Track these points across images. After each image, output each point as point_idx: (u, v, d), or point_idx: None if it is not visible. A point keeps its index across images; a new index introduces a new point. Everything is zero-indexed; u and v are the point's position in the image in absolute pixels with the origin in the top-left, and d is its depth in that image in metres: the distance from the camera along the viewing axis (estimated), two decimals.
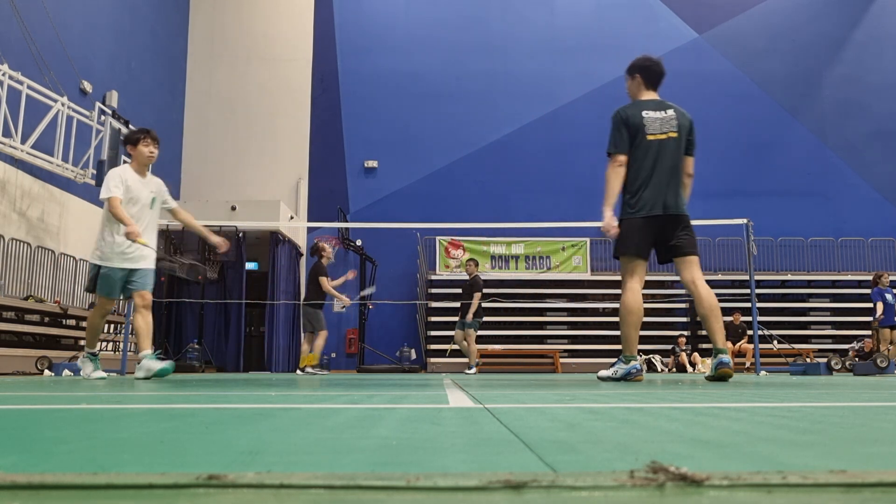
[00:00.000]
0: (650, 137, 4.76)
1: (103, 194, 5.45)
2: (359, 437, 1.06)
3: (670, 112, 4.87)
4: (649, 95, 4.98)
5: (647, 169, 4.74)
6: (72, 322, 10.65)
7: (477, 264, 11.19)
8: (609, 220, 4.81)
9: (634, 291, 4.76)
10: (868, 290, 15.26)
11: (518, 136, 16.36)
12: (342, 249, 15.36)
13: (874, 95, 16.77)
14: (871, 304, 14.63)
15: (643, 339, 15.06)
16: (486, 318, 13.35)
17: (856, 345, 13.21)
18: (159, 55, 15.27)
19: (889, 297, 11.63)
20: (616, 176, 4.79)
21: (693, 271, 4.77)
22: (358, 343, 15.18)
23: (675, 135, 4.80)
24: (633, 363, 4.68)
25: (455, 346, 10.86)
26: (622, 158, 4.79)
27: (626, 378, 4.65)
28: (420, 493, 0.58)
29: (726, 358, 4.55)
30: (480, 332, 13.46)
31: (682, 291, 15.49)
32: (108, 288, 5.61)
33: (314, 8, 16.92)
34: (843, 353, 13.13)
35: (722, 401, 2.24)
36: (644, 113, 4.83)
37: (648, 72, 4.98)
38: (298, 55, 16.53)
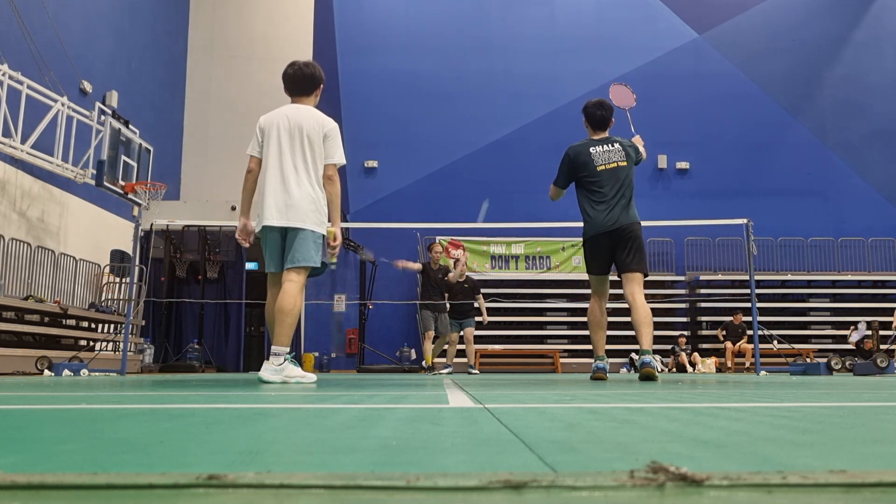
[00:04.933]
0: (601, 168, 5.46)
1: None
2: (359, 437, 1.06)
3: (616, 145, 5.53)
4: (598, 135, 5.63)
5: (598, 195, 5.42)
6: (72, 322, 10.65)
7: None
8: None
9: (593, 304, 5.60)
10: (869, 291, 15.30)
11: (518, 136, 16.36)
12: (342, 249, 15.36)
13: (874, 95, 16.76)
14: (871, 305, 14.70)
15: None
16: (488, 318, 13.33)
17: (855, 335, 13.19)
18: (159, 55, 15.27)
19: None
20: (553, 193, 5.85)
21: (633, 286, 5.38)
22: (358, 343, 15.18)
23: (624, 164, 5.47)
24: (597, 362, 5.45)
25: (462, 346, 10.99)
26: (553, 191, 5.77)
27: (595, 372, 5.38)
28: (420, 493, 0.58)
29: (647, 358, 5.09)
30: (480, 332, 13.48)
31: (683, 292, 15.52)
32: None
33: (314, 8, 16.91)
34: (843, 352, 13.12)
35: (722, 401, 2.24)
36: (591, 149, 5.52)
37: (590, 117, 5.64)
38: (298, 55, 16.44)
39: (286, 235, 4.51)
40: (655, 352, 14.39)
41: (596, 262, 5.53)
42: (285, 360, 4.33)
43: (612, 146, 5.52)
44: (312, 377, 4.56)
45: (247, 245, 4.84)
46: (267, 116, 4.68)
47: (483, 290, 13.01)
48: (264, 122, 4.66)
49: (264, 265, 4.66)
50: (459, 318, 10.68)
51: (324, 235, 4.59)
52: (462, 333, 10.72)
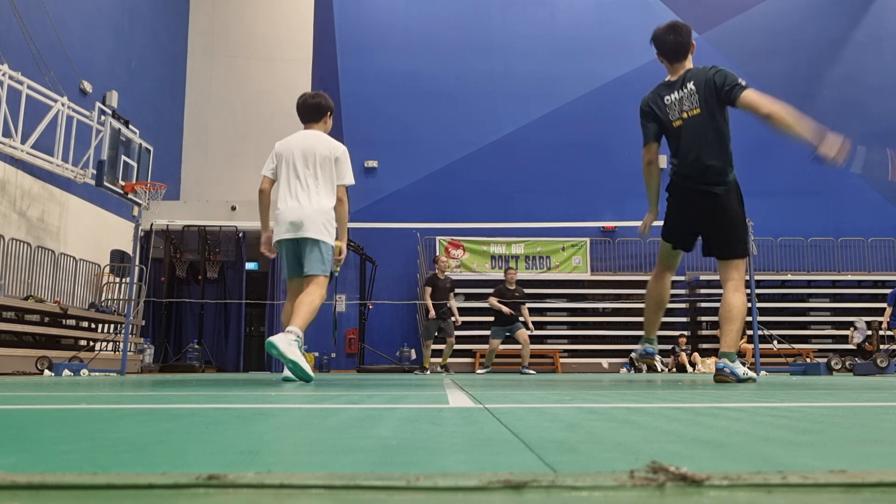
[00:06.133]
0: (677, 123, 4.50)
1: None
2: (359, 437, 1.06)
3: (689, 86, 4.47)
4: (675, 72, 4.63)
5: (676, 150, 4.56)
6: (72, 322, 10.65)
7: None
8: (644, 222, 4.76)
9: (655, 276, 4.74)
10: (869, 291, 15.30)
11: (518, 136, 16.35)
12: None
13: (874, 95, 16.77)
14: (871, 305, 14.69)
15: None
16: (486, 318, 13.37)
17: (858, 335, 13.21)
18: (159, 55, 15.27)
19: None
20: (647, 173, 4.63)
21: (724, 275, 4.45)
22: (358, 343, 15.18)
23: (697, 111, 4.46)
24: (645, 346, 4.76)
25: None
26: (645, 153, 4.61)
27: (640, 358, 4.80)
28: (420, 493, 0.58)
29: (720, 363, 4.29)
30: (480, 332, 13.46)
31: (683, 291, 15.50)
32: None
33: (314, 8, 16.91)
34: (844, 352, 13.11)
35: (722, 401, 2.24)
36: (665, 98, 4.56)
37: (661, 46, 4.64)
38: (298, 55, 16.52)
39: (298, 245, 4.95)
40: None
41: (672, 229, 4.58)
42: (297, 345, 4.55)
43: (686, 88, 4.45)
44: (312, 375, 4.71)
45: (273, 256, 5.23)
46: (282, 142, 5.17)
47: (483, 290, 13.07)
48: (280, 148, 5.13)
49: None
50: (505, 325, 10.99)
51: (332, 246, 5.05)
52: (516, 337, 11.02)
